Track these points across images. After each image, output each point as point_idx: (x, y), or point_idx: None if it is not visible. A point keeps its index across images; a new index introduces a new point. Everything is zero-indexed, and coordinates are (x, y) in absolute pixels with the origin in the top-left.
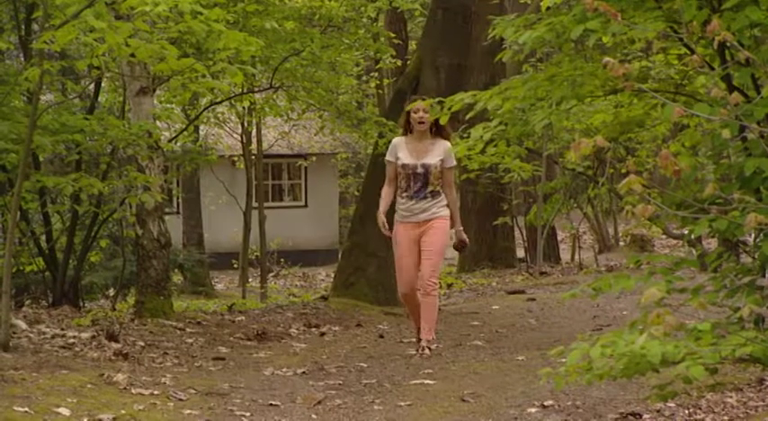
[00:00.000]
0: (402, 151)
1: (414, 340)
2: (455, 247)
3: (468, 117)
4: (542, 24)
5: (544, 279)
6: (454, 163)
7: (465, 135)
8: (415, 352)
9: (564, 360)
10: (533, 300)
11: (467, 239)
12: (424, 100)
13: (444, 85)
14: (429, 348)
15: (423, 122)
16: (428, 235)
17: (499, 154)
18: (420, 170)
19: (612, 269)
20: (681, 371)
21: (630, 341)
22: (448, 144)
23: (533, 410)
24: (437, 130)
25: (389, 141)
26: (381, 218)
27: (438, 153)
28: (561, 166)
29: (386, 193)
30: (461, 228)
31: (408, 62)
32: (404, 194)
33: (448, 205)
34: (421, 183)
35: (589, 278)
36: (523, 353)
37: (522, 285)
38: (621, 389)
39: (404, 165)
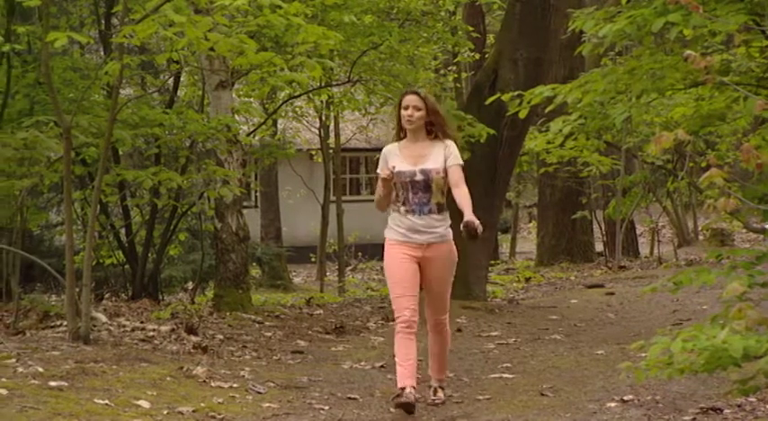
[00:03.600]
0: (395, 158)
1: (394, 395)
2: (464, 231)
3: (547, 110)
4: (623, 17)
5: (623, 273)
6: (460, 161)
7: (544, 129)
8: (397, 404)
9: (644, 354)
10: (612, 293)
11: (478, 227)
12: (416, 94)
13: (523, 78)
14: (442, 388)
15: (411, 120)
16: (434, 268)
17: (578, 147)
18: (419, 177)
19: (692, 263)
20: (763, 365)
21: (712, 335)
22: (451, 143)
23: (613, 405)
24: (435, 130)
25: (467, 136)
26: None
27: (438, 156)
28: (640, 160)
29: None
30: (472, 215)
31: (487, 56)
32: (402, 208)
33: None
34: (422, 193)
35: (669, 272)
36: (603, 347)
37: (600, 279)
38: (702, 383)
39: (399, 173)
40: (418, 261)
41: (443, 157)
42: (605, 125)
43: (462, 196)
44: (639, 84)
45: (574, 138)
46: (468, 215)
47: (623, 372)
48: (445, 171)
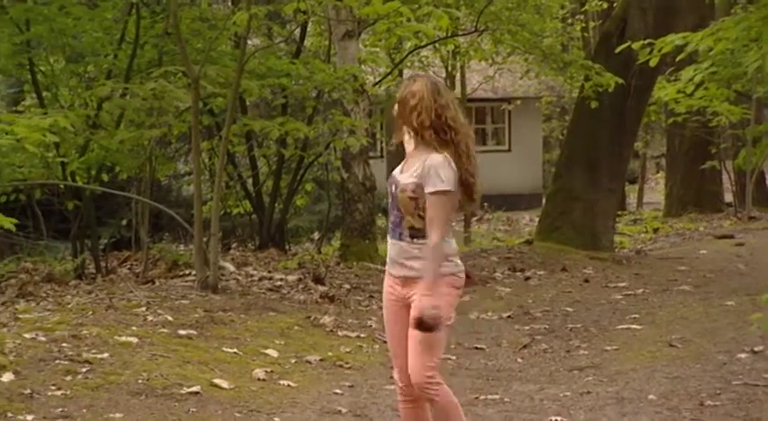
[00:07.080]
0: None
1: None
2: (416, 325)
3: (677, 59)
4: None
5: (753, 223)
6: (440, 187)
7: (673, 78)
8: None
9: None
10: (742, 244)
11: (435, 317)
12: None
13: (652, 27)
14: None
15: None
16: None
17: (707, 97)
18: (391, 189)
19: None
20: None
21: None
22: (437, 156)
23: (743, 356)
24: (437, 134)
25: (594, 85)
26: None
27: (417, 168)
28: None
29: None
30: (430, 296)
31: (615, 4)
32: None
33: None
34: (396, 211)
35: None
36: (732, 298)
37: (730, 230)
38: None
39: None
40: (402, 296)
41: (420, 173)
42: (736, 74)
43: (428, 254)
44: None
45: (704, 88)
46: (419, 299)
47: (754, 324)
48: (416, 192)
